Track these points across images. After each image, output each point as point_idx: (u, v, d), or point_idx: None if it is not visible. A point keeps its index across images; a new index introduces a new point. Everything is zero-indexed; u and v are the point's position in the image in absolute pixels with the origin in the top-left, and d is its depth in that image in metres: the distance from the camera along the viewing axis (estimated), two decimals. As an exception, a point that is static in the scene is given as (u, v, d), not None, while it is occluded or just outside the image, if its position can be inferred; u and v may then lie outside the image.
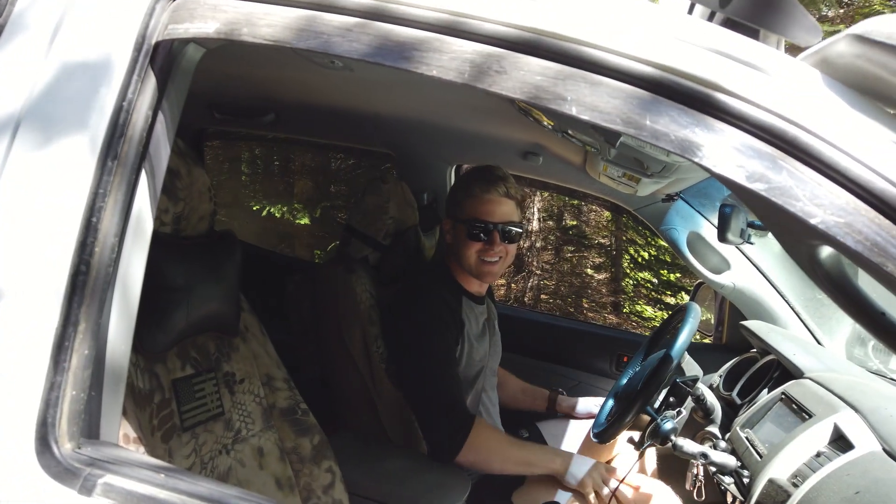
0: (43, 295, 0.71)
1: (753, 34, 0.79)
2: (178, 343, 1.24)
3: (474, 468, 1.65)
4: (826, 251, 0.71)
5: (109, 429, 0.78)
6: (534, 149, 2.22)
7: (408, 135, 2.43)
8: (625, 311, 8.33)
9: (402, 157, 2.57)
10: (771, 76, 0.67)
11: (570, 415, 2.18)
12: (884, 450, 1.12)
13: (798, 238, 0.71)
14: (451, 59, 0.71)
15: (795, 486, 1.17)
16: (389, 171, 2.06)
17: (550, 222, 8.77)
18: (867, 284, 0.72)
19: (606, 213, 8.30)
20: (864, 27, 0.63)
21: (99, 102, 0.76)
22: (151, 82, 0.79)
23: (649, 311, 8.15)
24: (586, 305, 8.58)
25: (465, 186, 1.80)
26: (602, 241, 8.81)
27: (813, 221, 0.59)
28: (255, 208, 6.54)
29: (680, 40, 0.69)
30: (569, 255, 9.01)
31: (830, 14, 4.08)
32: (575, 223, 8.90)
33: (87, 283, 0.72)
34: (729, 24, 0.78)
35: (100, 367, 0.75)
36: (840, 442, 1.20)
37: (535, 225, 8.10)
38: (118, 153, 0.76)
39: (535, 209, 7.97)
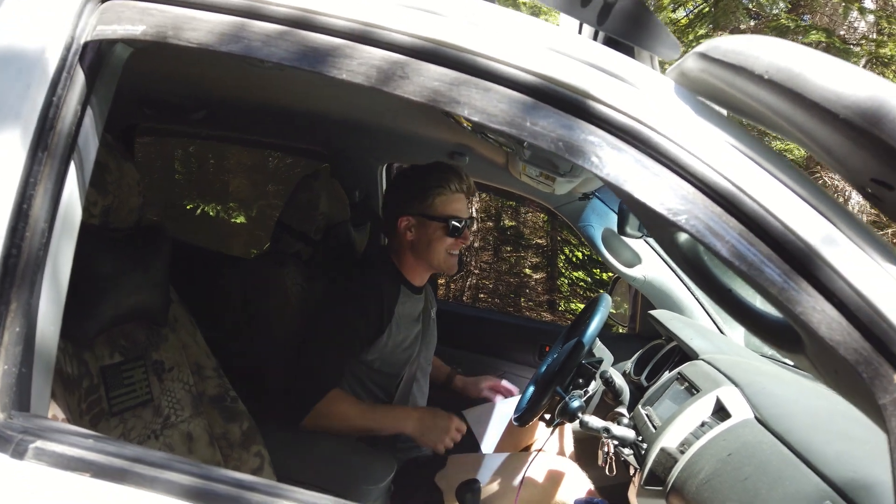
0: (-25, 276, 0.75)
1: (630, 51, 0.91)
2: (106, 331, 1.28)
3: (322, 431, 1.73)
4: (682, 236, 0.83)
5: (39, 404, 0.83)
6: (459, 149, 2.33)
7: (339, 134, 2.50)
8: (560, 308, 8.58)
9: (335, 155, 2.63)
10: (635, 87, 0.78)
11: (466, 393, 2.28)
12: (755, 417, 1.27)
13: (657, 224, 0.82)
14: (359, 63, 0.79)
15: (682, 452, 1.31)
16: (324, 168, 2.13)
17: (489, 223, 8.94)
18: (718, 265, 0.85)
19: (543, 215, 8.51)
20: (706, 46, 0.75)
21: (30, 96, 0.81)
22: (80, 79, 0.85)
23: (583, 308, 8.40)
24: (524, 304, 8.78)
25: (438, 183, 1.83)
26: (539, 241, 9.04)
27: (659, 209, 0.71)
28: (188, 207, 6.43)
29: (560, 53, 0.79)
30: (507, 254, 9.21)
31: (743, 27, 4.36)
32: (513, 224, 9.10)
33: (17, 266, 0.77)
34: (609, 42, 0.89)
35: (30, 345, 0.80)
36: (721, 412, 1.34)
37: (473, 225, 8.21)
38: (48, 145, 0.81)
39: (474, 210, 8.09)
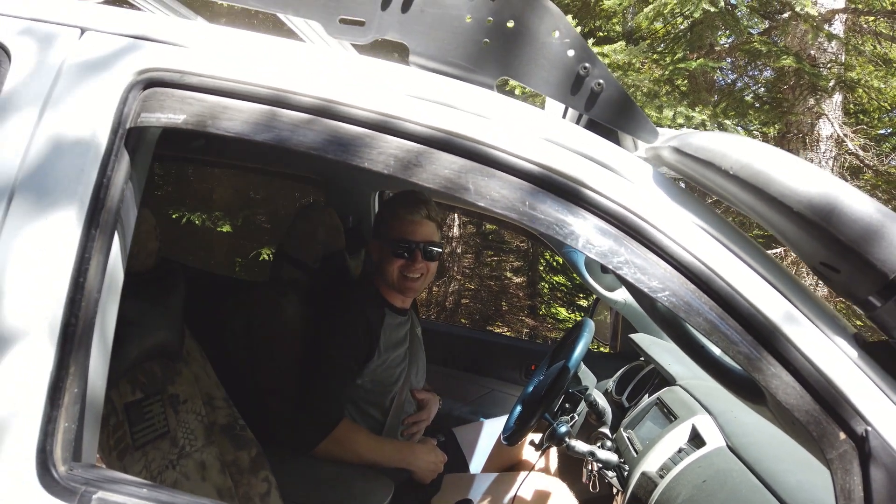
0: (40, 344, 0.84)
1: (613, 133, 1.03)
2: (130, 371, 1.37)
3: (332, 459, 1.84)
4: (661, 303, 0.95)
5: (89, 452, 0.92)
6: (451, 178, 2.43)
7: (335, 162, 2.58)
8: (541, 313, 8.72)
9: (329, 182, 2.73)
10: (623, 176, 0.89)
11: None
12: (727, 445, 1.39)
13: (641, 293, 0.94)
14: (378, 153, 0.90)
15: (661, 477, 1.43)
16: (319, 199, 2.22)
17: (471, 227, 9.04)
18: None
19: (523, 220, 8.57)
20: (679, 142, 0.87)
21: (84, 178, 0.90)
22: (125, 160, 0.94)
23: (564, 312, 8.57)
24: (506, 308, 8.91)
25: (391, 209, 1.99)
26: (521, 245, 9.18)
27: (642, 287, 0.82)
28: (174, 216, 6.45)
29: (556, 144, 0.90)
30: (489, 259, 9.33)
31: (717, 48, 4.53)
32: (495, 228, 9.21)
33: (75, 334, 0.86)
34: (592, 124, 1.01)
35: (84, 401, 0.89)
36: (696, 440, 1.47)
37: (455, 231, 8.29)
38: (99, 222, 0.90)
39: (456, 215, 8.18)
